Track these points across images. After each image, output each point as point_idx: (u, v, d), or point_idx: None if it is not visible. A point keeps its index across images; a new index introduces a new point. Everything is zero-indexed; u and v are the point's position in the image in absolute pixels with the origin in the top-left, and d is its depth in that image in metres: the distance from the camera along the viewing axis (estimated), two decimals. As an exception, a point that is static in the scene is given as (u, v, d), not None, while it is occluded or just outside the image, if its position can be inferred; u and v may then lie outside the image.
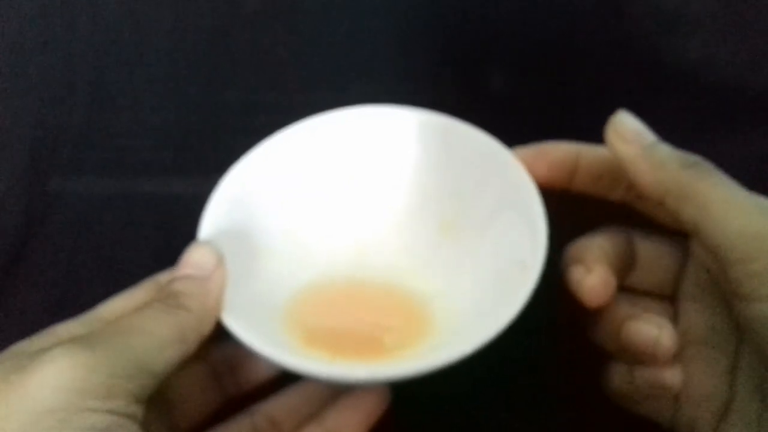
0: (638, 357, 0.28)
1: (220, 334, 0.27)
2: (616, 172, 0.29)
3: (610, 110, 0.37)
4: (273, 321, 0.29)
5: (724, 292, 0.26)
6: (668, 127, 0.38)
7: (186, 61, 0.39)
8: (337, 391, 0.29)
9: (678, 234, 0.29)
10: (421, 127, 0.32)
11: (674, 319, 0.29)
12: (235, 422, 0.29)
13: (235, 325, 0.26)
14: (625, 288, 0.29)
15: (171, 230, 0.36)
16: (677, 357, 0.28)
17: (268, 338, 0.27)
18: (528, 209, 0.29)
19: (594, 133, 0.38)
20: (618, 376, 0.29)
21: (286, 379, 0.30)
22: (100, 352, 0.23)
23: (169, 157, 0.38)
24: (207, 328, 0.26)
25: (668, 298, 0.29)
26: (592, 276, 0.28)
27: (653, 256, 0.29)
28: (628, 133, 0.28)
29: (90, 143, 0.38)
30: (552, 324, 0.31)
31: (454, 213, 0.32)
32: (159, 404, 0.28)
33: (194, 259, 0.27)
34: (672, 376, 0.28)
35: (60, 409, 0.22)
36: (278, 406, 0.30)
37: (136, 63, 0.39)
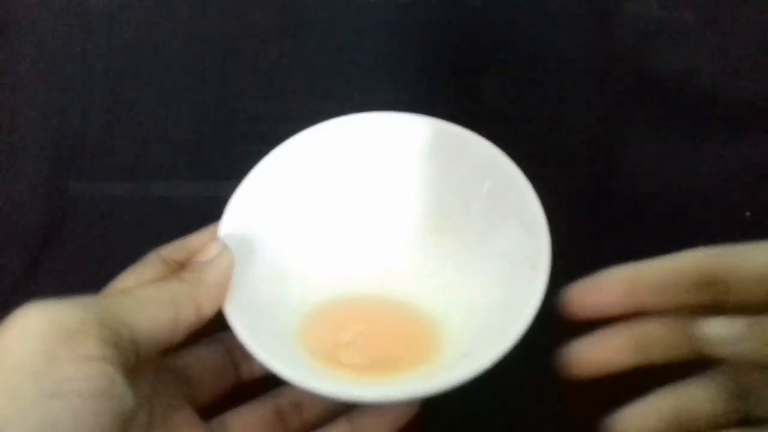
0: None
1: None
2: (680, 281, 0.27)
3: (598, 117, 0.39)
4: (288, 340, 0.29)
5: None
6: (652, 134, 0.39)
7: (199, 73, 0.40)
8: None
9: None
10: (434, 134, 0.32)
11: None
12: (260, 402, 0.30)
13: (252, 342, 0.26)
14: None
15: (185, 232, 0.36)
16: None
17: (288, 360, 0.27)
18: (529, 213, 0.29)
19: (580, 138, 0.39)
20: None
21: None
22: (69, 304, 0.22)
23: (183, 163, 0.39)
24: (205, 298, 0.26)
25: None
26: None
27: None
28: (721, 334, 0.25)
29: (108, 149, 0.39)
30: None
31: (457, 219, 0.32)
32: (177, 378, 0.29)
33: (198, 247, 0.28)
34: None
35: (27, 361, 0.21)
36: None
37: (151, 74, 0.40)
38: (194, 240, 0.30)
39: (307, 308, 0.31)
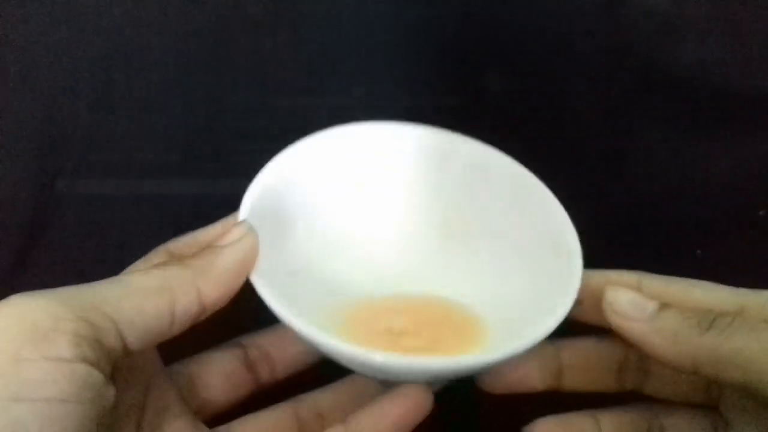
0: None
1: (253, 323, 0.26)
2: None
3: (606, 113, 0.38)
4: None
5: None
6: (662, 130, 0.39)
7: (190, 66, 0.39)
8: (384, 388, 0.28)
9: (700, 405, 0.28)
10: (470, 155, 0.32)
11: None
12: (278, 408, 0.29)
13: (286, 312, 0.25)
14: None
15: (176, 230, 0.36)
16: None
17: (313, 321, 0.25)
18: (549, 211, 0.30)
19: (588, 134, 0.39)
20: None
21: (320, 369, 0.30)
22: (46, 297, 0.21)
23: (174, 159, 0.38)
24: (209, 284, 0.24)
25: None
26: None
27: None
28: (626, 309, 0.26)
29: (96, 145, 0.38)
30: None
31: (477, 222, 0.32)
32: (181, 385, 0.28)
33: (210, 241, 0.26)
34: None
35: None
36: (325, 398, 0.29)
37: (141, 67, 0.39)
38: (207, 233, 0.29)
39: (336, 308, 0.30)
